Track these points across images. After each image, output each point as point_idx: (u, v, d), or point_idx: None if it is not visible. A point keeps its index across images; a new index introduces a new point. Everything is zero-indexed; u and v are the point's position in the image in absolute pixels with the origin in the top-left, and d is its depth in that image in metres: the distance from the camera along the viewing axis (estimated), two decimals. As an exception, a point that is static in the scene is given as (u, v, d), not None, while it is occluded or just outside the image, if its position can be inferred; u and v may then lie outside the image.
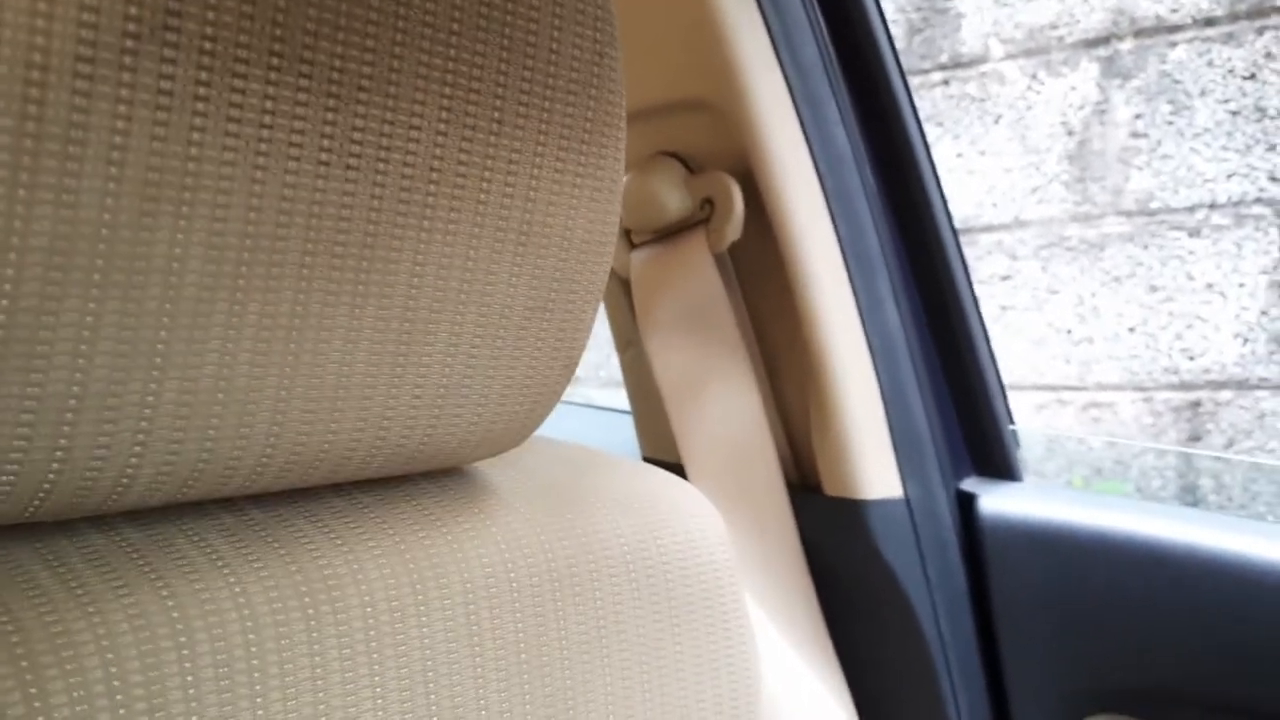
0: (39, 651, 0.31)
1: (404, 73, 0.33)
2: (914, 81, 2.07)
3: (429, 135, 0.34)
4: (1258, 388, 1.82)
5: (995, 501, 0.69)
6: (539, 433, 0.48)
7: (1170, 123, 1.86)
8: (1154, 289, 1.89)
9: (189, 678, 0.33)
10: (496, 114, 0.36)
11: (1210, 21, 1.81)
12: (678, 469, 0.72)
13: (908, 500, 0.68)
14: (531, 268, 0.38)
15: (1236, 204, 1.81)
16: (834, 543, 0.69)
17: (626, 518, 0.45)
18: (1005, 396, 0.74)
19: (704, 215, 0.70)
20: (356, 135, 0.33)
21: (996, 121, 2.04)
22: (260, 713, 0.34)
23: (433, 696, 0.38)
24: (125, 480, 0.32)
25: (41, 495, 0.31)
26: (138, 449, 0.32)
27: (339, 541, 0.38)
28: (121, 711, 0.32)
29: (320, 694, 0.36)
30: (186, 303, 0.31)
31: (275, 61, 0.31)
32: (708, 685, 0.46)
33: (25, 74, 0.27)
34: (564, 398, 0.44)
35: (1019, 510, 0.68)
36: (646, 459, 0.83)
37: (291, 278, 0.32)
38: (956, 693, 0.67)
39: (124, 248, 0.29)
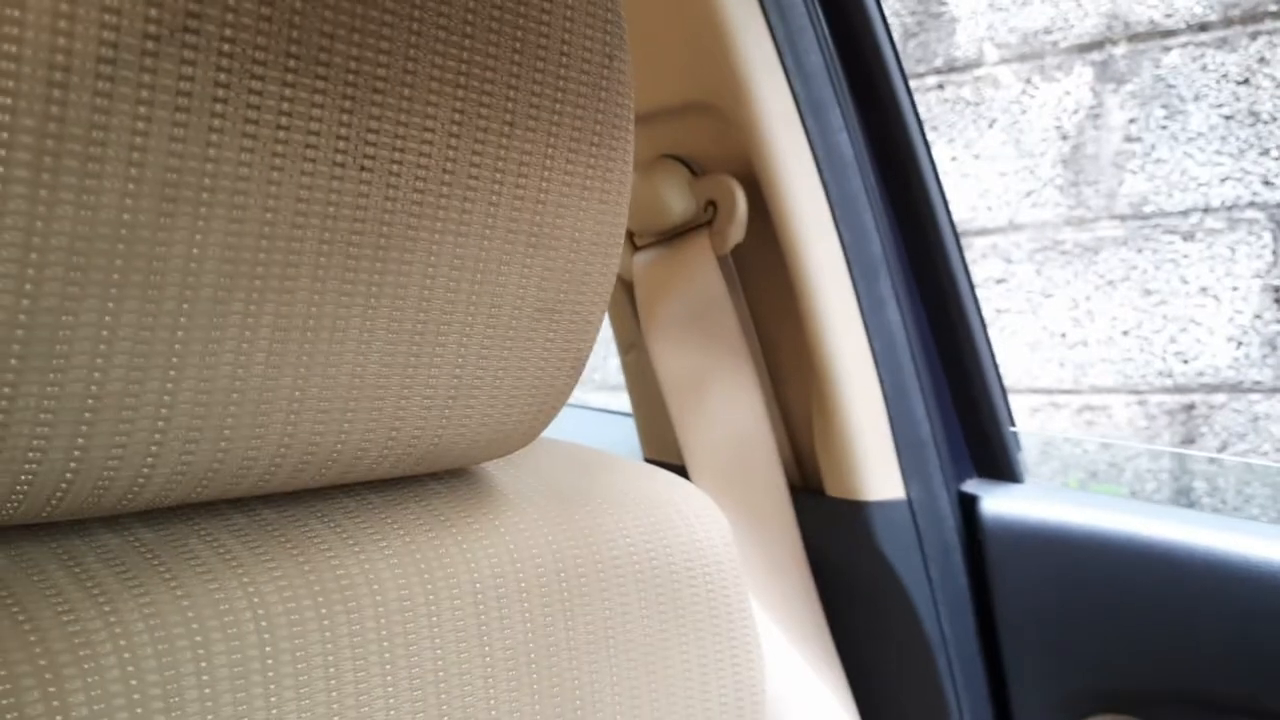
0: (57, 650, 0.31)
1: (418, 74, 0.34)
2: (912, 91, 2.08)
3: (442, 137, 0.34)
4: (1251, 391, 1.83)
5: (997, 503, 0.70)
6: (543, 434, 0.49)
7: (1164, 127, 1.87)
8: (1148, 292, 1.90)
9: (204, 676, 0.33)
10: (508, 115, 0.36)
11: (1204, 26, 1.82)
12: (680, 471, 0.72)
13: (910, 502, 0.68)
14: (541, 269, 0.38)
15: (1230, 208, 1.82)
16: (836, 544, 0.69)
17: (633, 518, 0.45)
18: (1006, 399, 0.74)
19: (707, 218, 0.70)
20: (371, 136, 0.33)
21: (991, 125, 2.05)
22: (275, 711, 0.34)
23: (443, 695, 0.38)
24: (141, 480, 0.32)
25: (59, 495, 0.31)
26: (154, 449, 0.32)
27: (351, 542, 0.38)
28: (139, 710, 0.32)
29: (334, 693, 0.36)
30: (203, 303, 0.31)
31: (292, 63, 0.31)
32: (712, 684, 0.46)
33: (48, 75, 0.27)
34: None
35: (1021, 512, 0.68)
36: (648, 461, 0.83)
37: (307, 278, 0.33)
38: (959, 693, 0.68)
39: (143, 248, 0.29)
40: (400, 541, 0.39)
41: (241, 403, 0.33)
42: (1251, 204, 1.80)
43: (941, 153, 2.10)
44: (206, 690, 0.33)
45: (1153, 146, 1.88)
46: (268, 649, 0.35)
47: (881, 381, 0.68)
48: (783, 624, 0.67)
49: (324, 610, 0.36)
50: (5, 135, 0.27)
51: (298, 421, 0.34)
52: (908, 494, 0.68)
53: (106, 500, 0.32)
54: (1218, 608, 0.60)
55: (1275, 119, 1.77)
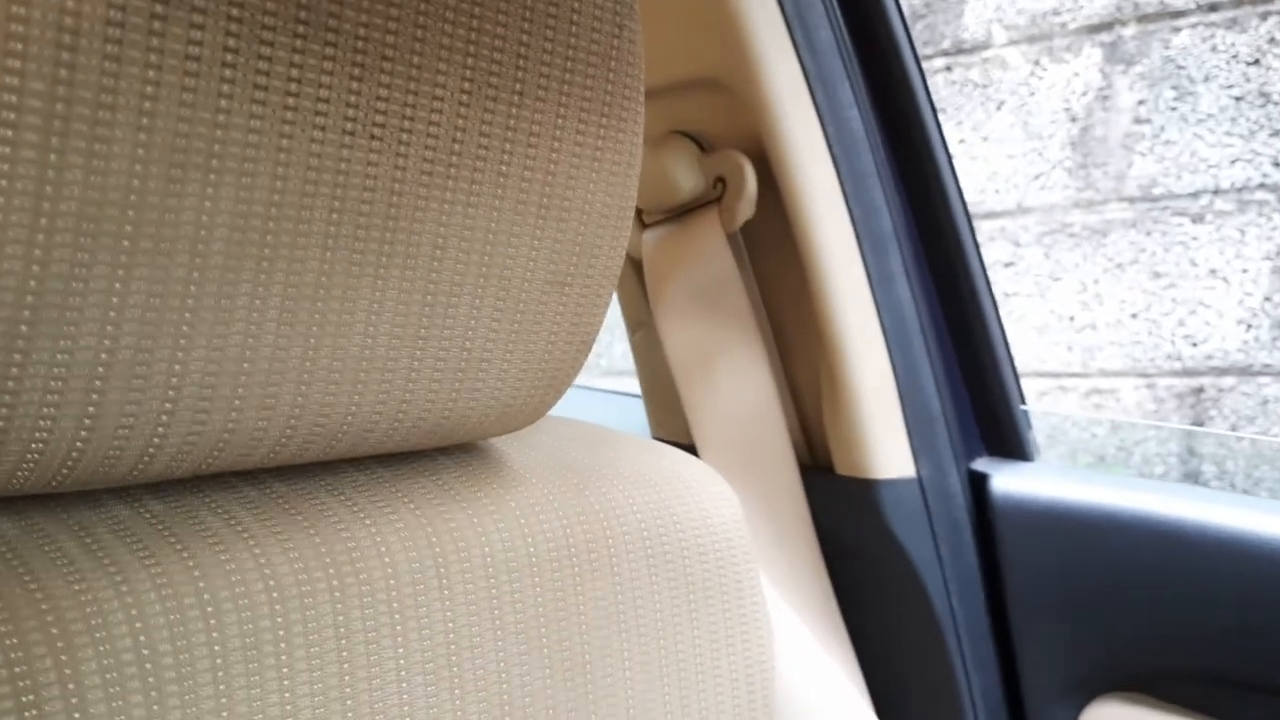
0: (69, 619, 0.31)
1: (427, 42, 0.33)
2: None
3: (451, 105, 0.34)
4: (1261, 374, 1.82)
5: (1007, 481, 0.69)
6: (551, 412, 0.49)
7: (1174, 108, 1.86)
8: (1157, 275, 1.89)
9: (216, 647, 0.33)
10: (518, 85, 0.36)
11: (1214, 6, 1.81)
12: (689, 449, 0.72)
13: (920, 480, 0.68)
14: (551, 240, 0.38)
15: (1240, 190, 1.81)
16: (846, 522, 0.69)
17: (642, 494, 0.45)
18: (1017, 377, 0.74)
19: (716, 194, 0.70)
20: (380, 105, 0.33)
21: (999, 108, 2.04)
22: (286, 682, 0.34)
23: (455, 668, 0.38)
24: (151, 450, 0.32)
25: (70, 464, 0.31)
26: (164, 419, 0.32)
27: (361, 514, 0.38)
28: (151, 679, 0.32)
29: (346, 664, 0.36)
30: (213, 270, 0.31)
31: (301, 29, 0.31)
32: (722, 660, 0.46)
33: (57, 38, 0.27)
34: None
35: (1031, 490, 0.68)
36: (657, 439, 0.83)
37: (317, 247, 0.32)
38: (969, 671, 0.68)
39: (152, 214, 0.29)
40: (411, 515, 0.39)
41: (252, 372, 0.33)
42: (1262, 185, 1.79)
43: (950, 135, 2.09)
44: (219, 660, 0.33)
45: (1162, 128, 1.87)
46: (279, 620, 0.34)
47: (891, 359, 0.67)
48: (792, 601, 0.67)
49: (335, 582, 0.36)
50: (14, 99, 0.27)
51: (308, 392, 0.34)
52: (918, 472, 0.68)
53: (117, 470, 0.32)
54: (1228, 585, 0.60)
55: (1286, 100, 1.76)
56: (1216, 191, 1.83)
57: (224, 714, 0.33)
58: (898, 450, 0.68)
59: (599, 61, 0.38)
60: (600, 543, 0.43)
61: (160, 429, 0.32)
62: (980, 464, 0.71)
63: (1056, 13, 1.97)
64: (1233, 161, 1.81)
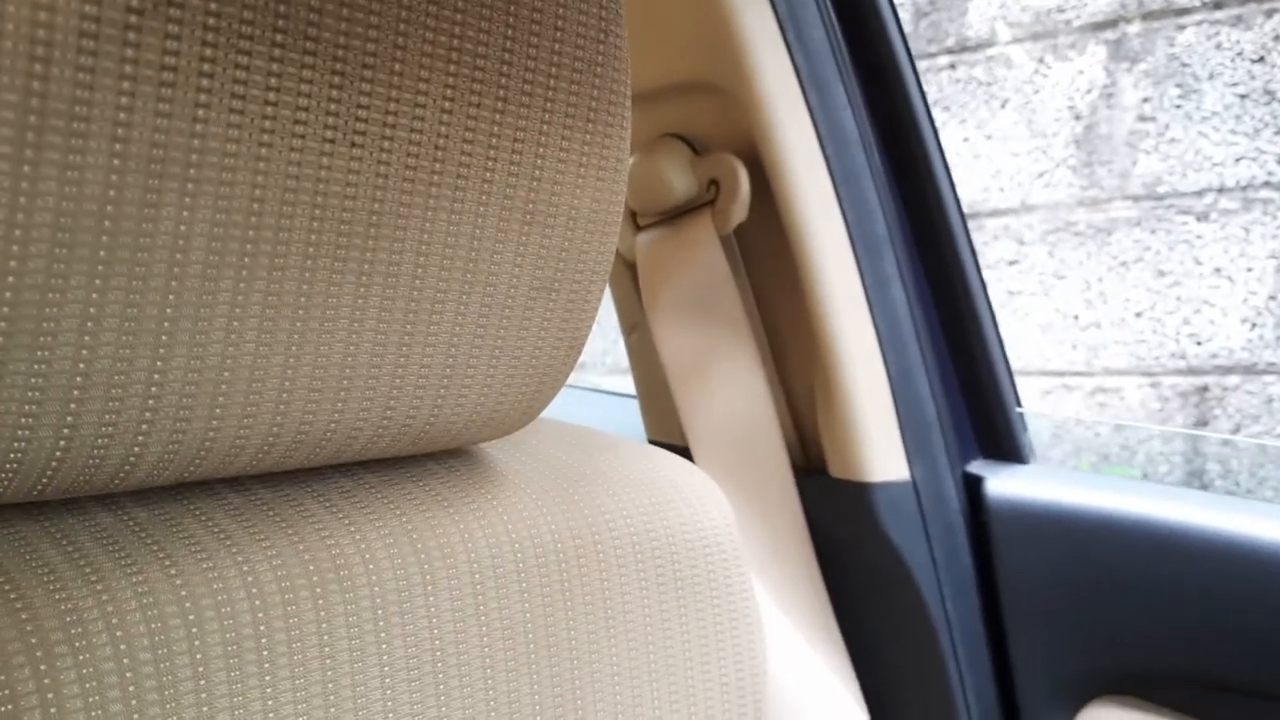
0: (49, 628, 0.31)
1: (408, 49, 0.33)
2: (921, 66, 2.07)
3: (434, 113, 0.34)
4: (1265, 373, 1.81)
5: (1002, 484, 0.69)
6: (544, 415, 0.48)
7: (1178, 106, 1.85)
8: (1161, 274, 1.89)
9: (198, 655, 0.33)
10: (501, 91, 0.36)
11: (1219, 4, 1.80)
12: (683, 452, 0.72)
13: (914, 482, 0.68)
14: (537, 246, 0.38)
15: (1245, 188, 1.80)
16: (840, 525, 0.69)
17: (632, 499, 0.45)
18: (1012, 379, 0.74)
19: (710, 197, 0.69)
20: (361, 113, 0.33)
21: (1003, 106, 2.03)
22: (269, 690, 0.34)
23: (440, 675, 0.38)
24: (132, 458, 0.32)
25: (49, 473, 0.31)
26: (144, 427, 0.32)
27: (346, 521, 0.38)
28: (131, 688, 0.32)
29: (329, 672, 0.36)
30: (192, 280, 0.31)
31: (279, 38, 0.31)
32: (713, 666, 0.46)
33: (30, 50, 0.27)
34: (569, 383, 0.44)
35: (1026, 493, 0.68)
36: (652, 442, 0.83)
37: (297, 256, 0.32)
38: (963, 675, 0.68)
39: (129, 225, 0.29)
40: (397, 521, 0.39)
41: (233, 381, 0.33)
42: (1266, 184, 1.78)
43: (953, 133, 2.08)
44: (200, 669, 0.33)
45: (1167, 126, 1.86)
46: (262, 628, 0.35)
47: (886, 361, 0.67)
48: (785, 605, 0.67)
49: (319, 590, 0.36)
50: None
51: (290, 400, 0.34)
52: (912, 475, 0.68)
53: (99, 478, 0.32)
54: (1224, 589, 0.60)
55: (1291, 97, 1.75)
56: (1221, 189, 1.82)
57: None
58: (892, 453, 0.67)
59: (584, 67, 0.38)
60: (589, 547, 0.43)
61: (141, 437, 0.32)
62: (975, 467, 0.71)
63: (1061, 10, 1.96)
64: (1237, 159, 1.80)
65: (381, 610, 0.37)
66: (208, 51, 0.30)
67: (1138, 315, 1.91)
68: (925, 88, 0.71)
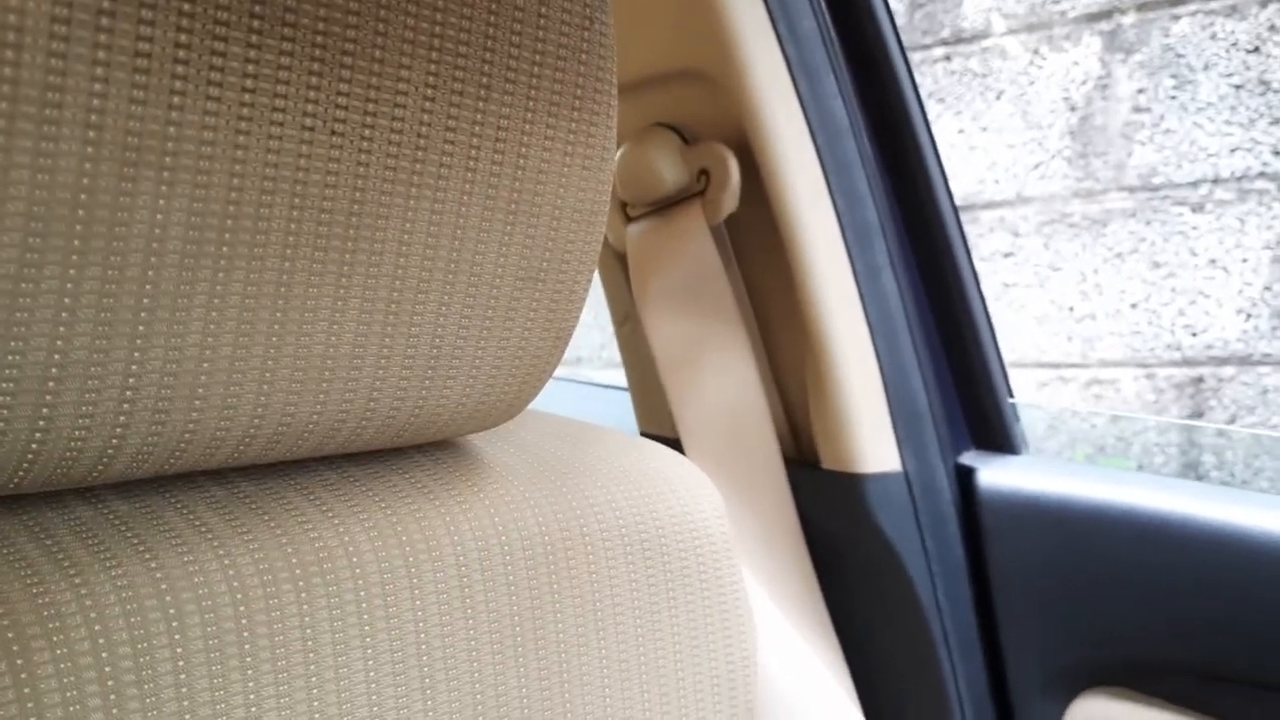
0: (25, 624, 0.31)
1: (389, 36, 0.33)
2: (915, 57, 2.06)
3: (416, 101, 0.34)
4: (1260, 363, 1.81)
5: (994, 475, 0.69)
6: (534, 407, 0.48)
7: (1173, 97, 1.85)
8: (1157, 265, 1.88)
9: (179, 649, 0.33)
10: (484, 79, 0.35)
11: (1214, -6, 1.80)
12: (675, 444, 0.71)
13: (906, 474, 0.68)
14: (522, 236, 0.37)
15: (1240, 179, 1.80)
16: (832, 517, 0.69)
17: (622, 491, 0.45)
18: (1004, 369, 0.74)
19: (700, 187, 0.69)
20: (341, 100, 0.32)
21: (998, 97, 2.03)
22: (251, 684, 0.34)
23: (426, 668, 0.38)
24: (111, 450, 0.32)
25: (26, 465, 0.31)
26: (122, 418, 0.31)
27: (330, 513, 0.38)
28: (110, 682, 0.31)
29: (312, 666, 0.35)
30: (170, 270, 0.30)
31: (256, 24, 0.30)
32: (704, 659, 0.45)
33: (0, 36, 0.27)
34: (560, 375, 0.44)
35: (1017, 484, 0.68)
36: (643, 434, 0.82)
37: (277, 245, 0.32)
38: (955, 665, 0.67)
39: (104, 214, 0.29)
40: (381, 513, 0.39)
41: (212, 372, 0.32)
42: (1261, 174, 1.78)
43: (948, 125, 2.08)
44: (180, 663, 0.33)
45: (1161, 117, 1.86)
46: (244, 622, 0.34)
47: (877, 351, 0.67)
48: (777, 597, 0.67)
49: (302, 583, 0.36)
50: None
51: (271, 391, 0.34)
52: (904, 466, 0.68)
53: (76, 471, 0.32)
54: (1215, 579, 0.60)
55: (1286, 88, 1.75)
56: (1216, 180, 1.82)
57: (186, 717, 0.33)
58: (883, 444, 0.67)
59: (569, 55, 0.37)
60: (577, 539, 0.42)
61: (119, 429, 0.31)
62: (967, 458, 0.71)
63: (1055, 1, 1.96)
64: (1232, 150, 1.80)
65: (366, 604, 0.37)
66: (182, 38, 0.29)
67: (1133, 307, 1.91)
68: (920, 79, 0.70)
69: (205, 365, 0.32)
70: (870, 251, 0.67)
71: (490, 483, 0.42)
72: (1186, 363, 1.88)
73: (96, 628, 0.32)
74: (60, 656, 0.31)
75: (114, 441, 0.32)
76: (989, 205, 2.05)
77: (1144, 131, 1.88)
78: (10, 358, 0.29)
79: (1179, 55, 1.83)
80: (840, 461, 0.68)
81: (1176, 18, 1.83)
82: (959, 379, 0.72)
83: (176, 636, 0.33)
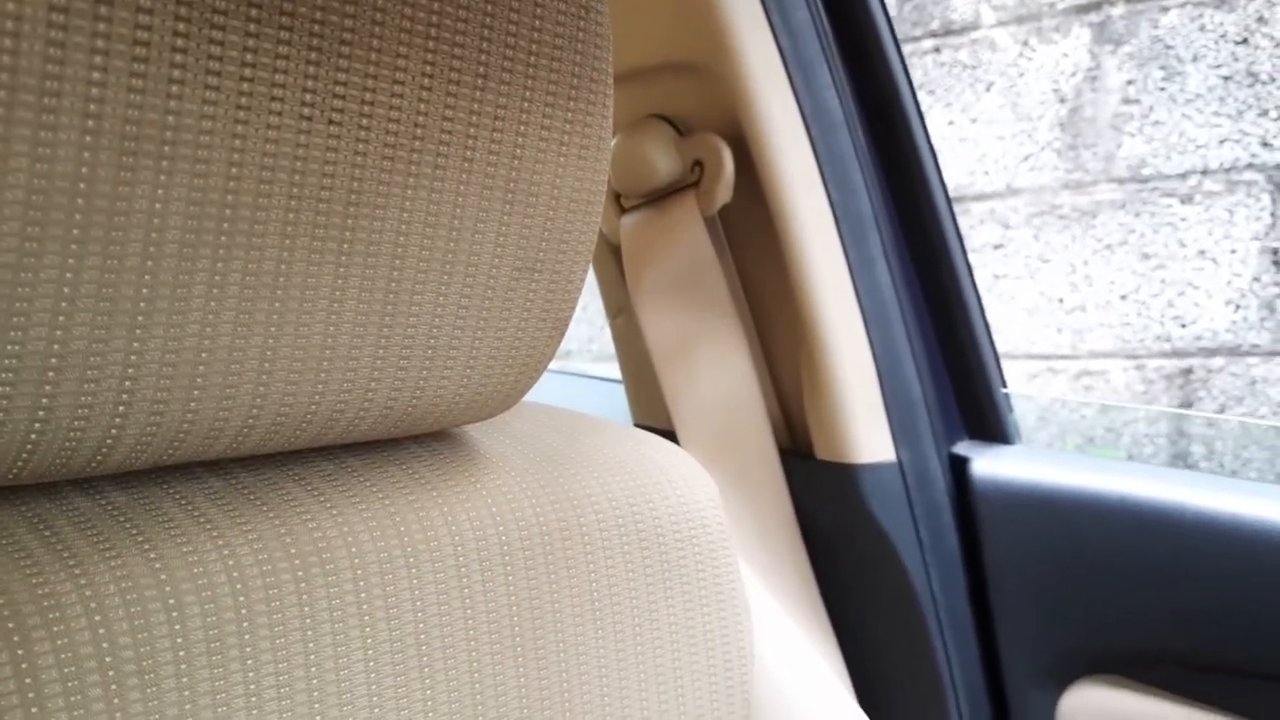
0: (26, 614, 0.31)
1: (387, 25, 0.33)
2: (905, 49, 2.06)
3: (413, 90, 0.34)
4: (1249, 354, 1.82)
5: (988, 465, 0.69)
6: (529, 398, 0.48)
7: (1162, 88, 1.85)
8: (1146, 256, 1.89)
9: (179, 640, 0.33)
10: (481, 69, 0.35)
11: (1202, -14, 1.80)
12: (669, 436, 0.71)
13: (900, 464, 0.68)
14: (519, 226, 0.37)
15: (1228, 170, 1.80)
16: (826, 507, 0.69)
17: (618, 482, 0.45)
18: (998, 360, 0.74)
19: (694, 178, 0.69)
20: (339, 89, 0.32)
21: (988, 89, 2.03)
22: (251, 675, 0.34)
23: (425, 659, 0.38)
24: (110, 441, 0.32)
25: (25, 456, 0.31)
26: (121, 409, 0.31)
27: (328, 504, 0.38)
28: (110, 673, 0.31)
29: (312, 656, 0.35)
30: (168, 259, 0.30)
31: (254, 13, 0.30)
32: (700, 649, 0.46)
33: None
34: (554, 368, 0.44)
35: (1011, 473, 0.68)
36: (638, 425, 0.82)
37: (275, 234, 0.32)
38: (949, 655, 0.68)
39: (103, 203, 0.29)
40: (379, 504, 0.39)
41: (210, 362, 0.32)
42: (1250, 166, 1.79)
43: (938, 117, 2.08)
44: (180, 654, 0.33)
45: (1151, 108, 1.86)
46: (243, 612, 0.34)
47: (871, 342, 0.67)
48: (773, 587, 0.67)
49: (300, 574, 0.36)
50: None
51: (269, 381, 0.34)
52: (898, 456, 0.68)
53: (75, 461, 0.32)
54: (1208, 568, 0.60)
55: (1274, 79, 1.75)
56: (1205, 172, 1.82)
57: (187, 707, 0.33)
58: (878, 434, 0.67)
59: (565, 44, 0.37)
60: (574, 530, 0.42)
61: (118, 419, 0.31)
62: (961, 448, 0.71)
63: (1045, -7, 1.96)
64: (1221, 142, 1.81)
65: (365, 594, 0.37)
66: (180, 27, 0.29)
67: (1122, 298, 1.92)
68: (909, 71, 0.71)
69: (204, 355, 0.32)
70: (864, 243, 0.67)
71: (487, 474, 0.42)
72: (1176, 354, 1.89)
73: (96, 618, 0.32)
74: (61, 647, 0.31)
75: (113, 431, 0.32)
76: (979, 197, 2.05)
77: (1133, 123, 1.88)
78: (10, 347, 0.29)
79: (1168, 47, 1.84)
80: (835, 452, 0.68)
81: (1165, 9, 1.84)
82: (952, 369, 0.73)
83: (176, 627, 0.33)
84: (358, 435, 0.38)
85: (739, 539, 0.67)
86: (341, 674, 0.36)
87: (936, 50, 2.08)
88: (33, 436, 0.30)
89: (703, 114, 0.69)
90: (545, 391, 0.47)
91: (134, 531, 0.34)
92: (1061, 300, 1.98)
